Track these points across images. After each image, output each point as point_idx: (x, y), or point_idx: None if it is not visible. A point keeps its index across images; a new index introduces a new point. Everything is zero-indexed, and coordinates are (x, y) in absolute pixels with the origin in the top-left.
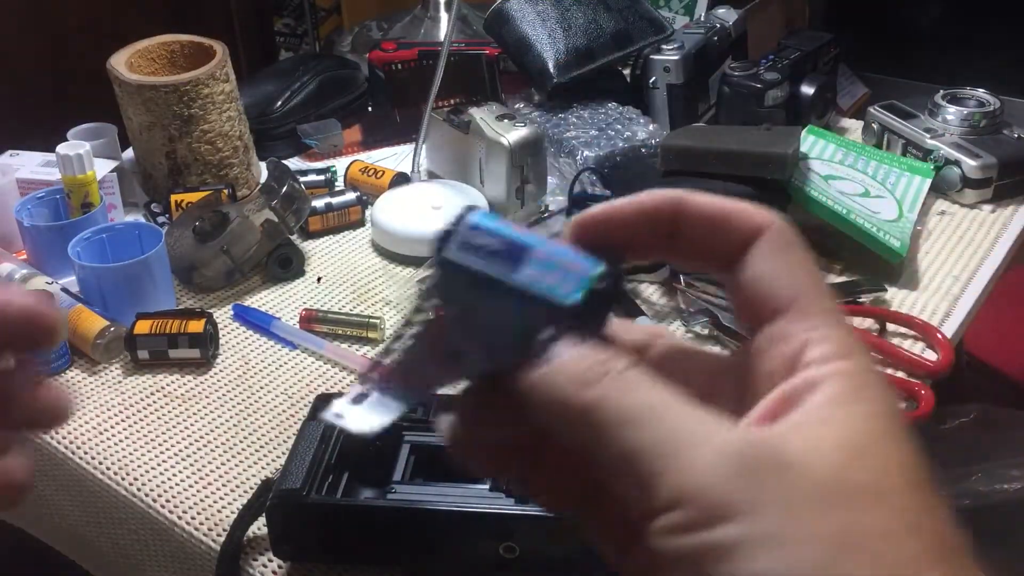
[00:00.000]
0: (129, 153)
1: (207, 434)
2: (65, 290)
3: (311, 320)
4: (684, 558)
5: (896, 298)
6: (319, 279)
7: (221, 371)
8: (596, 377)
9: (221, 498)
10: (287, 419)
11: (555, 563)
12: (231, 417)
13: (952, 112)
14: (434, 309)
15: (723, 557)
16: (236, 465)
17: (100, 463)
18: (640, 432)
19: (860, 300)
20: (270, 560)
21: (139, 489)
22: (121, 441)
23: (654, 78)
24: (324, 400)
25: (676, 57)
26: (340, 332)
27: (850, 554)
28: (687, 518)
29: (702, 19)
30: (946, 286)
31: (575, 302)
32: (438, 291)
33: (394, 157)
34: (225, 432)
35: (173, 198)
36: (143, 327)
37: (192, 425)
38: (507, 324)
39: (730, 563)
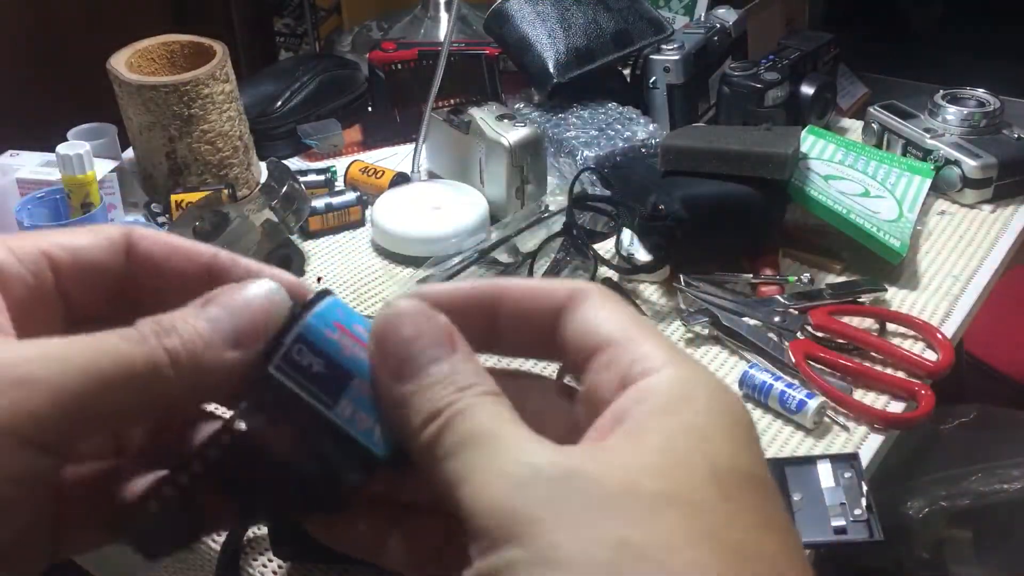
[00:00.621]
0: (129, 153)
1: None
2: None
3: None
4: None
5: (896, 298)
6: (319, 279)
7: None
8: (441, 405)
9: None
10: None
11: None
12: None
13: (952, 112)
14: (249, 421)
15: None
16: None
17: None
18: (456, 460)
19: (860, 300)
20: (270, 560)
21: None
22: None
23: (654, 78)
24: None
25: (676, 57)
26: None
27: (629, 564)
28: (479, 547)
29: (702, 19)
30: (946, 286)
31: (385, 454)
32: (255, 405)
33: (394, 157)
34: None
35: (173, 198)
36: None
37: None
38: (316, 459)
39: None
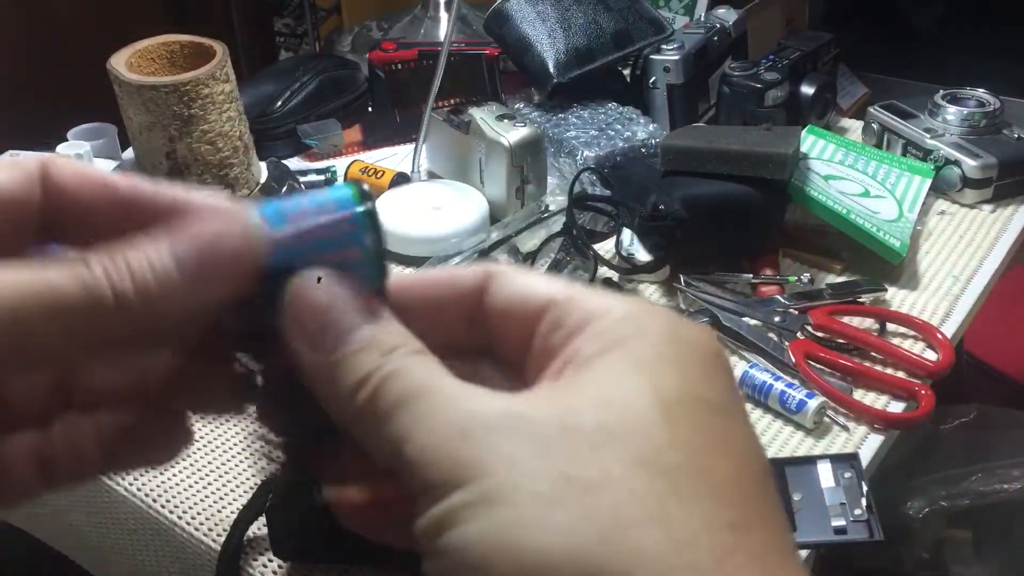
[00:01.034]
0: (129, 153)
1: (207, 434)
2: None
3: None
4: (420, 542)
5: (896, 298)
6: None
7: None
8: (369, 370)
9: (221, 498)
10: None
11: None
12: (230, 417)
13: (952, 112)
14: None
15: (443, 528)
16: (236, 465)
17: None
18: (393, 421)
19: (860, 300)
20: (270, 560)
21: (139, 489)
22: None
23: (654, 78)
24: None
25: (676, 57)
26: None
27: (568, 498)
28: (425, 499)
29: (702, 19)
30: (946, 286)
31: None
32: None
33: (394, 157)
34: (225, 432)
35: None
36: None
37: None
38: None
39: (447, 532)
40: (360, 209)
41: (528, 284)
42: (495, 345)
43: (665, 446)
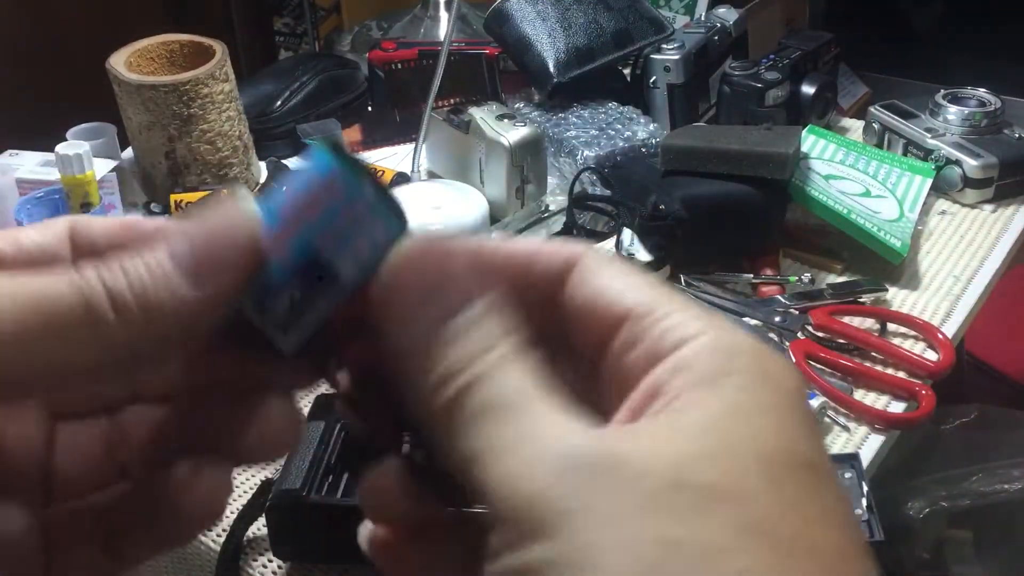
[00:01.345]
0: (128, 153)
1: None
2: None
3: None
4: None
5: (897, 298)
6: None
7: None
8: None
9: None
10: None
11: None
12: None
13: (953, 112)
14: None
15: None
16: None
17: None
18: (476, 434)
19: (860, 300)
20: (270, 560)
21: None
22: None
23: (654, 78)
24: (324, 400)
25: (676, 57)
26: None
27: (675, 566)
28: (502, 539)
29: (702, 19)
30: (947, 286)
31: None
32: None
33: (394, 157)
34: None
35: (172, 198)
36: None
37: None
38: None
39: None
40: (338, 164)
41: (609, 287)
42: (571, 338)
43: (775, 515)
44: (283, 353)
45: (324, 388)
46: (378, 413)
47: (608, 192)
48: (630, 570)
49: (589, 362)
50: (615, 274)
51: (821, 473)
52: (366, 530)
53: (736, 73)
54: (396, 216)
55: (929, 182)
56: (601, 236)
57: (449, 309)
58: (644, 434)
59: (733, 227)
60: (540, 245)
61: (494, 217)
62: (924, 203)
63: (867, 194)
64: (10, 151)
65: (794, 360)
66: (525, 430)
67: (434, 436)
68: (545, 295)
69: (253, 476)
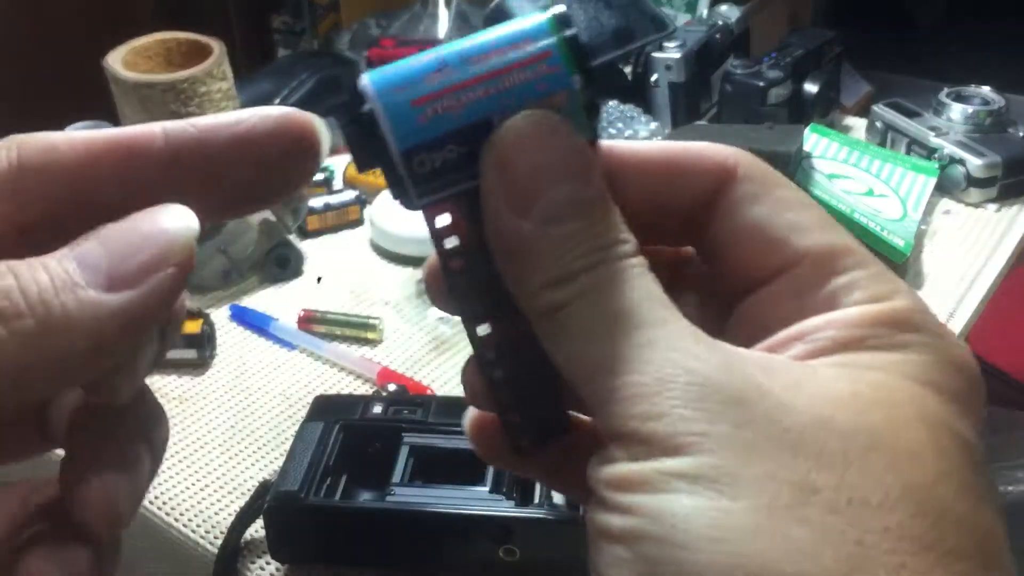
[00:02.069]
0: None
1: (204, 436)
2: None
3: (310, 321)
4: (596, 485)
5: None
6: (319, 279)
7: (218, 372)
8: (580, 267)
9: (218, 500)
10: (285, 420)
11: (556, 566)
12: (228, 418)
13: (957, 110)
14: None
15: (643, 487)
16: (233, 467)
17: None
18: (596, 344)
19: None
20: (268, 563)
21: None
22: None
23: (656, 76)
24: (323, 401)
25: (678, 55)
26: (339, 333)
27: (814, 515)
28: (628, 450)
29: (704, 17)
30: (950, 286)
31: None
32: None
33: None
34: (222, 434)
35: None
36: None
37: (189, 427)
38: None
39: (649, 494)
40: (559, 37)
41: (780, 218)
42: (713, 263)
43: (934, 479)
44: (407, 205)
45: (324, 390)
46: (478, 294)
47: None
48: (764, 507)
49: (724, 294)
50: (785, 202)
51: (978, 455)
52: (469, 414)
53: (738, 71)
54: (592, 128)
55: (933, 181)
56: None
57: (553, 203)
58: (787, 368)
59: None
60: (687, 148)
61: None
62: (927, 202)
63: (870, 193)
64: None
65: None
66: (658, 343)
67: (536, 333)
68: (692, 205)
69: (251, 478)
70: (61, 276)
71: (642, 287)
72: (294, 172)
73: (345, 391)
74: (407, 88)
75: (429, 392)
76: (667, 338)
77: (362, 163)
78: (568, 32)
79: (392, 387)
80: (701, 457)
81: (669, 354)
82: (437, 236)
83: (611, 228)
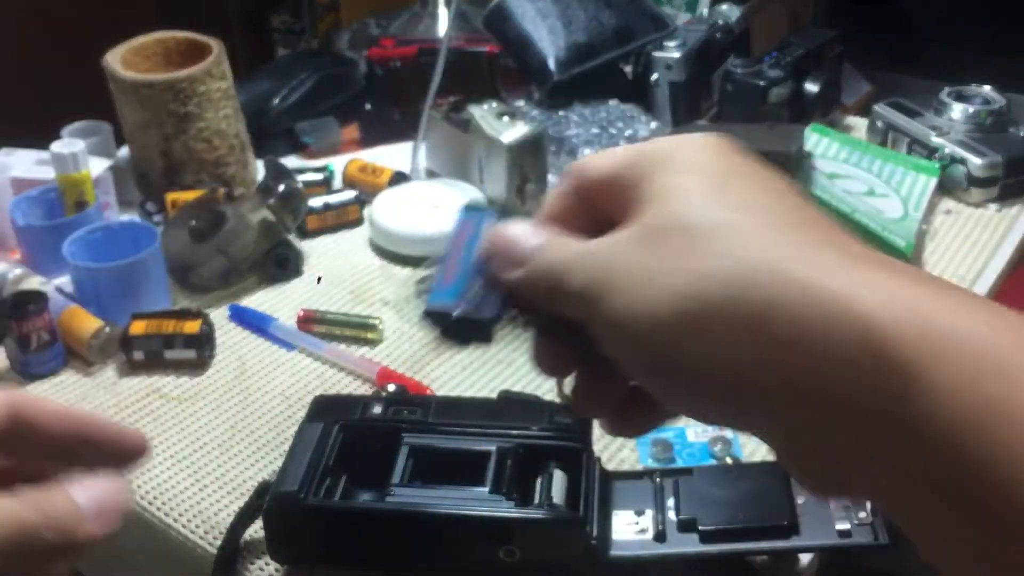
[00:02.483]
0: (124, 151)
1: (203, 436)
2: (59, 290)
3: (309, 321)
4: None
5: None
6: (319, 279)
7: (217, 372)
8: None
9: (217, 501)
10: (284, 421)
11: (555, 567)
12: (228, 419)
13: (958, 110)
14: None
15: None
16: (233, 467)
17: None
18: (571, 277)
19: None
20: (267, 564)
21: (134, 491)
22: None
23: (656, 75)
24: (322, 401)
25: (678, 54)
26: (338, 333)
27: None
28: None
29: (705, 16)
30: None
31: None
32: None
33: (393, 156)
34: (222, 434)
35: (168, 197)
36: (138, 328)
37: (188, 427)
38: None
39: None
40: (465, 216)
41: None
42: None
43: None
44: (491, 320)
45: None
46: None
47: None
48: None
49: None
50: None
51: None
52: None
53: (738, 71)
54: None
55: (934, 181)
56: None
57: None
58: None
59: None
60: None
61: None
62: (928, 202)
63: (871, 193)
64: (4, 149)
65: None
66: (571, 260)
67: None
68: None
69: (251, 478)
70: (74, 513)
71: (556, 250)
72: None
73: (345, 391)
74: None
75: (429, 392)
76: (573, 255)
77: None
78: (467, 206)
79: (392, 387)
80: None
81: (573, 257)
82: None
83: (530, 244)
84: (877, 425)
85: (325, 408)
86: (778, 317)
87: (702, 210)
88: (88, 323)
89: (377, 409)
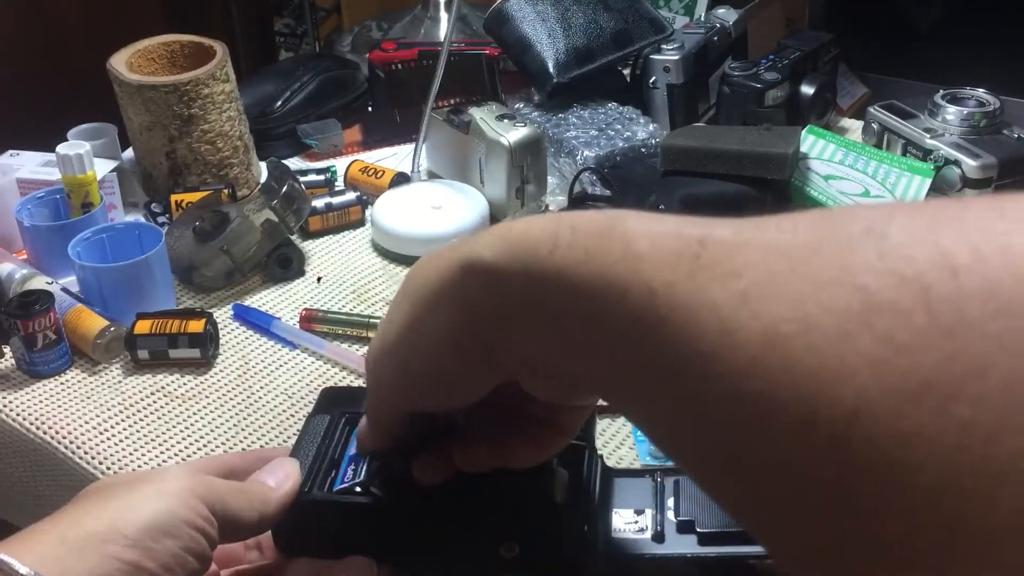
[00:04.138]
0: (129, 153)
1: (207, 434)
2: (65, 290)
3: (311, 320)
4: None
5: None
6: (319, 279)
7: (221, 371)
8: None
9: None
10: (287, 419)
11: (555, 564)
12: (231, 417)
13: (952, 112)
14: None
15: None
16: None
17: (100, 463)
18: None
19: None
20: None
21: None
22: (121, 441)
23: (654, 78)
24: (330, 393)
25: (676, 57)
26: (340, 332)
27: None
28: None
29: (702, 19)
30: None
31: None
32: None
33: (394, 157)
34: (225, 432)
35: (173, 198)
36: (143, 327)
37: (192, 425)
38: None
39: None
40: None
41: None
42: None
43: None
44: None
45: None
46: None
47: (608, 192)
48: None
49: None
50: None
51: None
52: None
53: (736, 73)
54: None
55: (928, 182)
56: None
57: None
58: None
59: None
60: None
61: (494, 217)
62: None
63: (866, 194)
64: (11, 151)
65: None
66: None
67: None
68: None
69: None
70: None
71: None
72: None
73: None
74: None
75: None
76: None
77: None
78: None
79: None
80: None
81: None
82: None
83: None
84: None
85: (332, 400)
86: (413, 300)
87: None
88: (94, 322)
89: None
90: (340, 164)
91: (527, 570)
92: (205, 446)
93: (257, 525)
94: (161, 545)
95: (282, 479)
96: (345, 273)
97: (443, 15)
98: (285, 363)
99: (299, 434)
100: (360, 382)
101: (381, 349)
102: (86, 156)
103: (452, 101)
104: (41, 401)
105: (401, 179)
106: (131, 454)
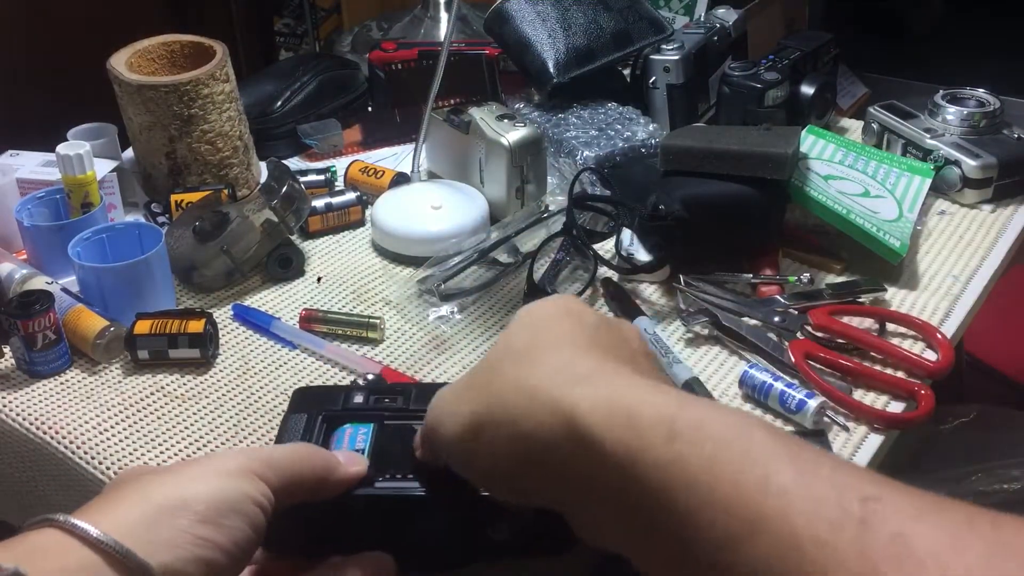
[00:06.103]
0: (129, 153)
1: (207, 434)
2: (65, 290)
3: (311, 320)
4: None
5: (896, 298)
6: (319, 279)
7: (221, 371)
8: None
9: None
10: None
11: (546, 544)
12: (231, 417)
13: (952, 112)
14: None
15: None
16: None
17: (100, 463)
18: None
19: (860, 300)
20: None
21: None
22: (121, 441)
23: (654, 78)
24: (303, 393)
25: (676, 57)
26: (340, 332)
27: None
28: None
29: (702, 19)
30: (946, 286)
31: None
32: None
33: (394, 157)
34: (225, 432)
35: (173, 198)
36: (143, 327)
37: (192, 425)
38: None
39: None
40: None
41: None
42: None
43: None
44: None
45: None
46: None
47: (608, 192)
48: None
49: None
50: None
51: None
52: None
53: (735, 73)
54: None
55: (928, 182)
56: (601, 236)
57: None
58: None
59: (733, 227)
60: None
61: (494, 217)
62: (923, 203)
63: (866, 194)
64: (11, 151)
65: (794, 360)
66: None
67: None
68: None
69: None
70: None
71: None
72: None
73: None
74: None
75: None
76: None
77: None
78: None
79: (370, 376)
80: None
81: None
82: None
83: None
84: (593, 488)
85: (306, 400)
86: (521, 423)
87: (503, 350)
88: (93, 322)
89: (359, 398)
90: (340, 164)
91: (517, 552)
92: (205, 446)
93: (315, 485)
94: (230, 521)
95: (351, 460)
96: (345, 273)
97: (443, 15)
98: (285, 363)
99: (278, 433)
100: (360, 381)
101: (471, 433)
102: (86, 156)
103: (452, 101)
104: (41, 401)
105: (401, 179)
106: (131, 454)
